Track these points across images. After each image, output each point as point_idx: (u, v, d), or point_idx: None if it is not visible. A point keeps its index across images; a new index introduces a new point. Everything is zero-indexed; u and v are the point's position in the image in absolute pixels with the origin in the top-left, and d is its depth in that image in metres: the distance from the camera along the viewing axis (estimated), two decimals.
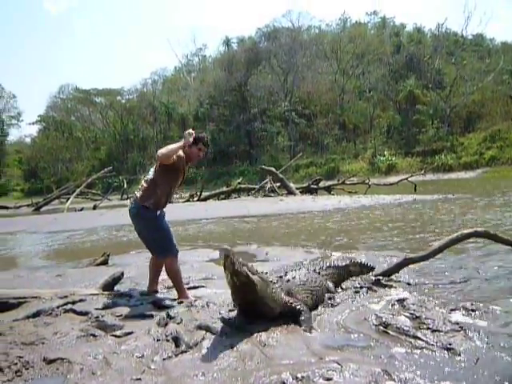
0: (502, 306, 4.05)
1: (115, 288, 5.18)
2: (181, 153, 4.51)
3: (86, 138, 71.11)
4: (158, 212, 4.63)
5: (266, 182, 24.12)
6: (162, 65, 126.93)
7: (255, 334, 3.48)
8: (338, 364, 2.91)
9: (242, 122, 57.51)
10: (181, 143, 4.51)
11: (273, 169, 24.74)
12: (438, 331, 3.40)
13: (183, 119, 63.55)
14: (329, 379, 2.73)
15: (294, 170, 48.41)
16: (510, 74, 52.38)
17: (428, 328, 3.46)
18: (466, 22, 76.55)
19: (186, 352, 3.27)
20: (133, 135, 64.72)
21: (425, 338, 3.28)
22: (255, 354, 3.17)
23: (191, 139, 4.53)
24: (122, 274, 5.22)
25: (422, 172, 28.48)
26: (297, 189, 23.89)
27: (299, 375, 2.77)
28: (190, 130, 4.60)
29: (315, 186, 24.58)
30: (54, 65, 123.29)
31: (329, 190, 24.32)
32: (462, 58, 56.83)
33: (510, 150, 40.09)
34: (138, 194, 4.64)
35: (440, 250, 5.03)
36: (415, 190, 21.39)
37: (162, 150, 4.42)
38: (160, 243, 4.67)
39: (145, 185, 4.64)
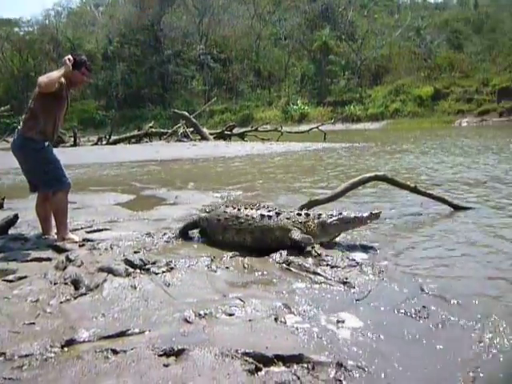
0: (393, 243, 4.37)
1: (9, 232, 4.82)
2: (62, 79, 4.28)
3: None
4: (46, 143, 4.37)
5: (179, 127, 23.56)
6: None
7: (159, 275, 3.44)
8: (241, 300, 2.97)
9: (154, 64, 54.86)
10: (62, 70, 4.26)
11: (186, 113, 24.17)
12: (337, 267, 3.59)
13: (91, 57, 58.90)
14: (231, 315, 2.78)
15: (208, 116, 47.73)
16: (415, 31, 54.85)
17: (327, 264, 3.64)
18: None
19: (85, 294, 3.14)
20: (34, 72, 58.92)
21: (324, 274, 3.45)
22: (158, 293, 3.13)
23: (70, 64, 4.29)
24: (16, 216, 4.85)
25: (332, 121, 29.49)
26: (210, 134, 23.68)
27: (202, 312, 2.78)
28: (69, 56, 4.32)
29: (229, 132, 24.51)
30: None
31: (242, 136, 24.36)
32: (373, 12, 58.25)
33: (411, 104, 42.74)
34: (21, 126, 4.40)
35: (343, 192, 5.26)
36: (325, 138, 22.14)
37: (43, 79, 4.17)
38: (51, 175, 4.44)
39: (26, 116, 4.38)
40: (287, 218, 4.14)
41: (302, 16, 58.83)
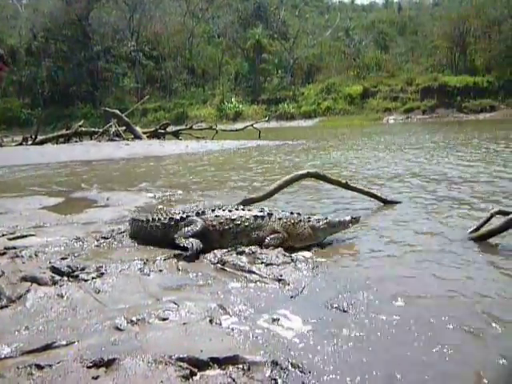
0: (327, 239, 4.46)
1: None
2: None
3: None
4: None
5: (111, 126, 22.79)
6: None
7: (89, 281, 3.29)
8: (175, 303, 2.90)
9: (83, 60, 52.77)
10: None
11: (117, 111, 23.41)
12: (271, 264, 3.60)
13: (13, 52, 55.78)
14: (164, 319, 2.71)
15: (141, 114, 46.70)
16: (344, 32, 56.88)
17: (262, 262, 3.64)
18: None
19: (6, 307, 2.93)
20: None
21: (259, 272, 3.45)
22: (88, 301, 2.99)
23: None
24: None
25: (266, 119, 29.87)
26: (144, 133, 23.15)
27: (134, 318, 2.69)
28: None
29: (163, 131, 24.07)
30: None
31: (177, 134, 24.03)
32: (304, 12, 59.63)
33: (342, 102, 44.26)
34: None
35: (276, 190, 5.31)
36: (259, 136, 22.34)
37: None
38: None
39: None
40: (279, 219, 4.16)
41: (234, 14, 59.05)
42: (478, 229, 4.37)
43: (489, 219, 4.40)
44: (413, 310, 2.84)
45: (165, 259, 3.82)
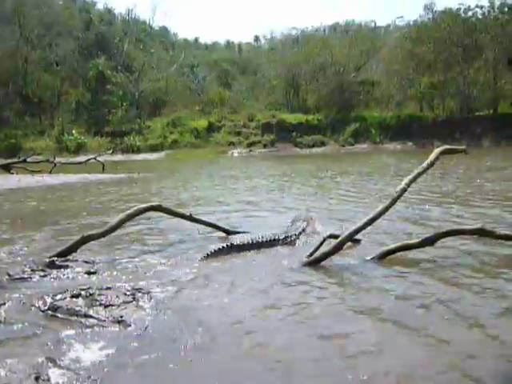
0: (175, 275, 4.33)
1: None
2: None
3: None
4: None
5: None
6: None
7: None
8: None
9: None
10: None
11: None
12: (111, 306, 3.35)
13: None
14: None
15: None
16: (189, 68, 58.66)
17: (101, 304, 3.36)
18: (153, 12, 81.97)
19: None
20: None
21: (97, 315, 3.18)
22: None
23: None
24: None
25: (110, 152, 28.82)
26: None
27: None
28: None
29: None
30: None
31: (8, 168, 21.64)
32: (149, 47, 59.95)
33: (188, 135, 45.08)
34: None
35: (119, 224, 5.04)
36: (103, 169, 21.40)
37: None
38: None
39: None
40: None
41: (75, 43, 56.38)
42: (312, 253, 4.69)
43: (322, 243, 4.77)
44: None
45: None
